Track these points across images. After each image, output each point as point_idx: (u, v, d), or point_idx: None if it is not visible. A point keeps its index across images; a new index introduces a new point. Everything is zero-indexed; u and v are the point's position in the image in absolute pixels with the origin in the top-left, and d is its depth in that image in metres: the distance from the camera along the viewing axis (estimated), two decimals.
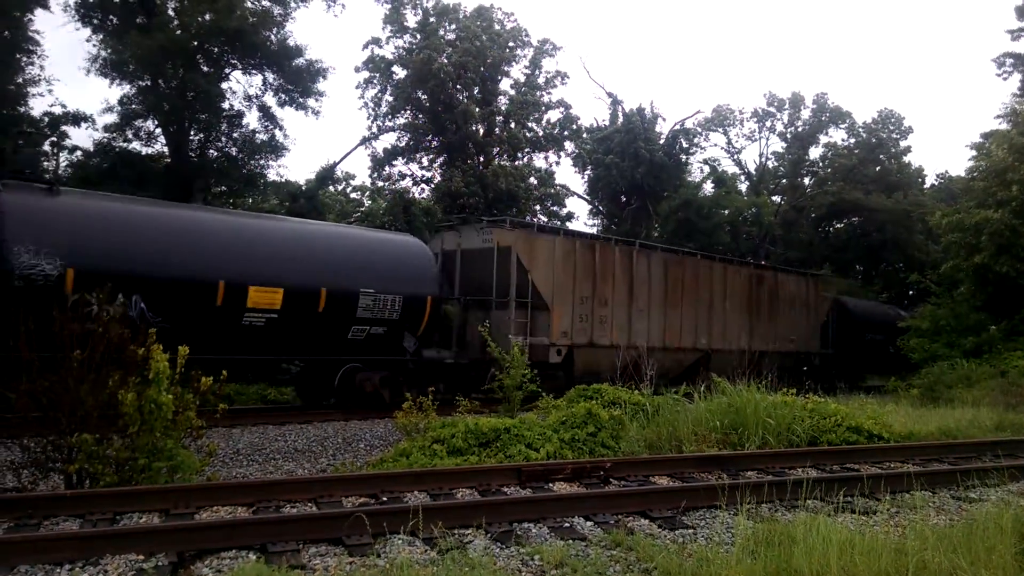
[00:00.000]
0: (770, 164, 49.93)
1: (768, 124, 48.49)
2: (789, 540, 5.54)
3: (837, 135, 46.67)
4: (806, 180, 47.14)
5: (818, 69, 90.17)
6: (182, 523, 6.05)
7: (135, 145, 25.29)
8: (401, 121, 34.03)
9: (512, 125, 34.29)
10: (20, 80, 22.83)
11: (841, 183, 42.31)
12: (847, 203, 41.93)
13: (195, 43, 23.46)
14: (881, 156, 45.24)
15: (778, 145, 49.04)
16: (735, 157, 49.94)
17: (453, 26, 33.27)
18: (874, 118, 45.68)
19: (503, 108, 34.45)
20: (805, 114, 47.04)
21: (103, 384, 7.35)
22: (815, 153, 47.40)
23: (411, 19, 33.39)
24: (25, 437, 7.43)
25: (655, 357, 17.99)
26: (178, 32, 22.73)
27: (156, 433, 7.47)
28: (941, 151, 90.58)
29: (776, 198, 47.02)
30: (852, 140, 45.93)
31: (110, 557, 5.26)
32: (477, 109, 32.41)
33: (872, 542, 5.42)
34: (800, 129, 46.99)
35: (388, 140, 34.50)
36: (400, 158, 34.45)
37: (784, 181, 48.06)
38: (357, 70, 34.02)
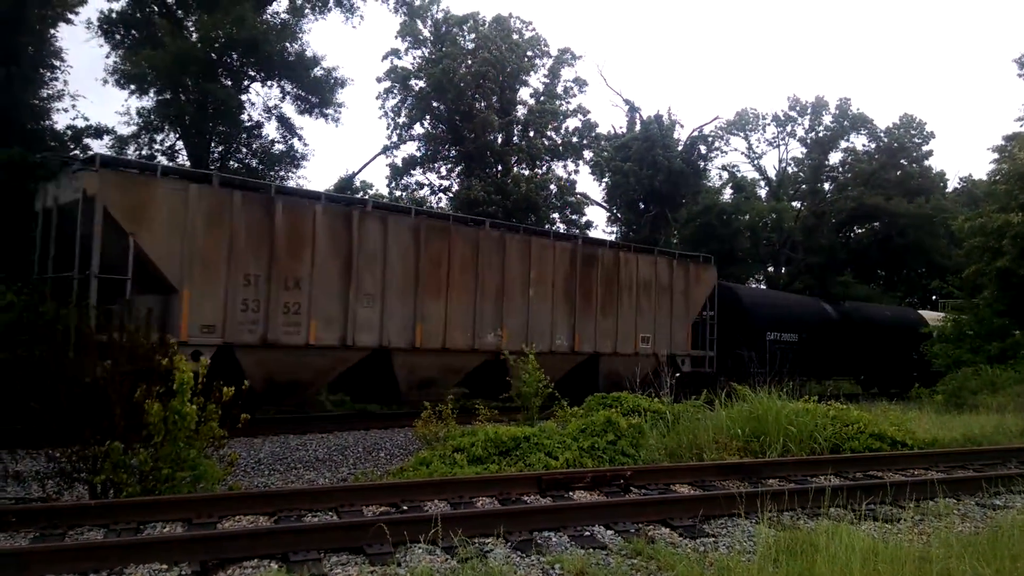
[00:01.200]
0: (790, 169, 49.71)
1: (789, 129, 48.31)
2: (811, 548, 5.50)
3: (858, 141, 46.45)
4: (826, 185, 46.87)
5: (840, 73, 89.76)
6: (205, 533, 6.10)
7: (158, 158, 25.60)
8: (420, 131, 34.23)
9: (531, 134, 34.36)
10: (44, 95, 23.17)
11: (862, 188, 42.06)
12: (868, 208, 41.68)
13: (214, 55, 23.72)
14: (903, 161, 44.95)
15: (798, 150, 48.85)
16: (755, 162, 49.82)
17: (472, 36, 33.43)
18: (895, 123, 45.41)
19: (521, 117, 34.54)
20: (827, 119, 46.81)
21: (129, 394, 7.44)
22: (835, 158, 47.18)
23: (425, 31, 33.59)
24: (50, 448, 7.52)
25: (403, 361, 14.93)
26: (197, 44, 23.00)
27: (179, 443, 7.55)
28: (964, 154, 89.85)
29: (796, 203, 46.76)
30: (873, 145, 45.64)
31: (134, 567, 5.32)
32: (496, 118, 32.51)
33: (896, 550, 5.38)
34: (821, 134, 46.74)
35: (407, 150, 34.73)
36: (419, 167, 34.63)
37: (804, 186, 47.80)
38: (378, 80, 34.29)
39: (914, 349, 27.27)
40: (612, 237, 43.42)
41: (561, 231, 23.74)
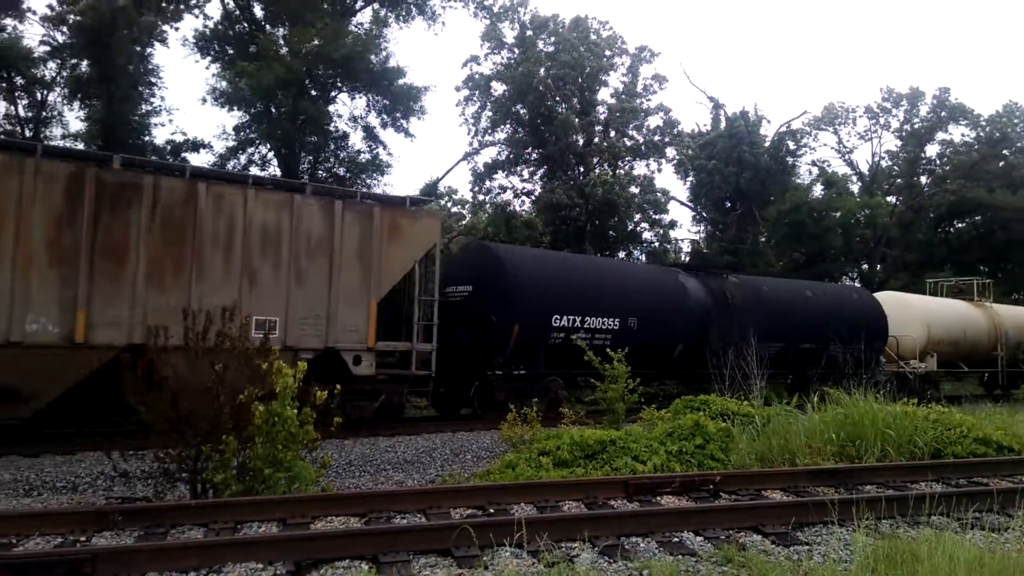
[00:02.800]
0: (884, 163, 47.95)
1: (882, 121, 46.59)
2: (912, 558, 5.29)
3: (957, 132, 44.44)
4: (923, 179, 45.01)
5: (938, 62, 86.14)
6: (299, 533, 6.28)
7: (251, 170, 26.59)
8: (501, 135, 34.39)
9: (612, 134, 34.14)
10: (144, 110, 24.34)
11: (961, 181, 40.21)
12: (968, 202, 39.85)
13: (304, 69, 24.46)
14: (1005, 151, 42.79)
15: (892, 143, 47.07)
16: (846, 157, 48.26)
17: (552, 39, 33.43)
18: (998, 111, 43.24)
19: (602, 117, 34.34)
20: (923, 110, 44.97)
21: (235, 397, 7.73)
22: (933, 151, 45.25)
23: (508, 35, 33.76)
24: (155, 449, 7.85)
25: None
26: (288, 59, 23.77)
27: (278, 445, 7.79)
28: None
29: (891, 199, 45.07)
30: (973, 135, 43.61)
31: (231, 565, 5.51)
32: (577, 120, 32.42)
33: (1004, 560, 5.13)
34: (917, 126, 44.93)
35: (489, 154, 34.95)
36: (501, 171, 34.80)
37: (899, 181, 46.01)
38: (457, 89, 34.64)
39: (871, 348, 21.29)
40: (698, 237, 42.70)
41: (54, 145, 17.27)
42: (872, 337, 21.64)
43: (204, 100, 25.83)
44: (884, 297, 24.87)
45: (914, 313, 24.05)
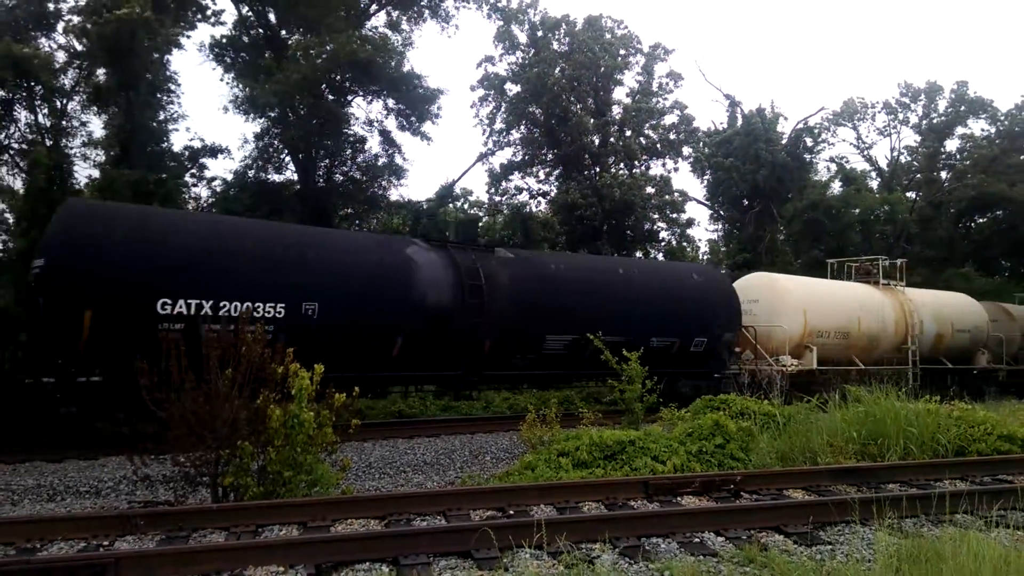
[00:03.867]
0: (903, 159, 47.51)
1: (901, 116, 46.15)
2: (936, 557, 5.23)
3: (976, 126, 43.96)
4: (943, 174, 44.54)
5: (955, 57, 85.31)
6: (320, 536, 6.29)
7: (269, 174, 26.79)
8: (516, 136, 34.40)
9: (627, 133, 34.06)
10: (162, 117, 24.52)
11: (982, 175, 39.77)
12: (990, 196, 39.39)
13: (319, 72, 24.56)
14: None
15: (912, 139, 46.63)
16: (865, 153, 47.83)
17: (566, 39, 33.41)
18: (1017, 104, 42.74)
19: (617, 117, 34.28)
20: (942, 105, 44.52)
21: (251, 401, 7.77)
22: (952, 146, 44.77)
23: (521, 36, 33.76)
24: (176, 453, 7.90)
25: None
26: (304, 64, 23.90)
27: (297, 448, 7.82)
28: None
29: (911, 194, 44.64)
30: (993, 129, 43.12)
31: (253, 568, 5.53)
32: (592, 120, 32.37)
33: None
34: (936, 121, 44.48)
35: (504, 156, 34.96)
36: (517, 172, 34.80)
37: (919, 176, 45.56)
38: (472, 89, 34.68)
39: (716, 341, 17.98)
40: (715, 236, 42.57)
41: None
42: (716, 328, 17.94)
43: (226, 109, 26.07)
44: (753, 279, 20.95)
45: (789, 298, 19.65)
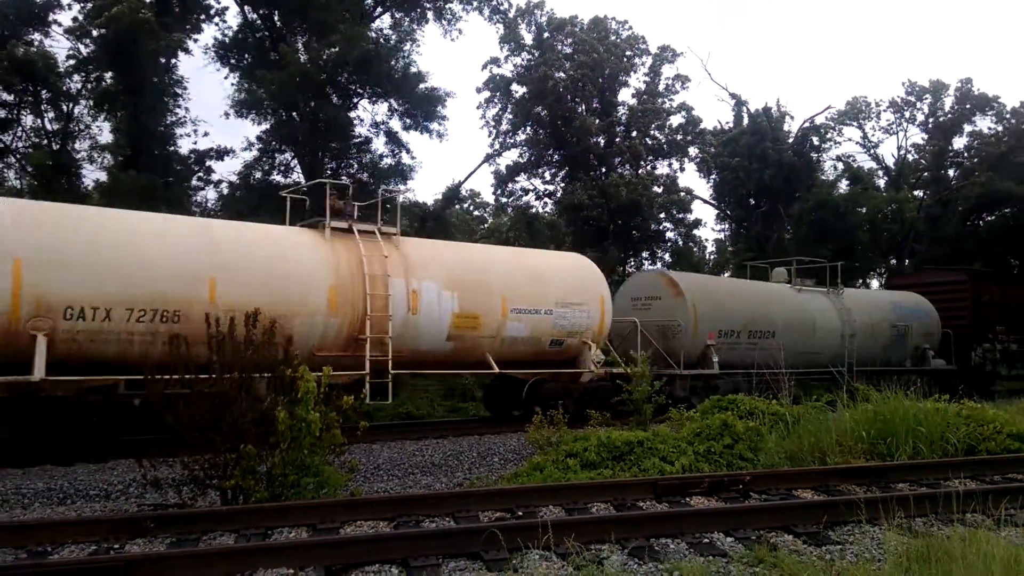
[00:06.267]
0: (910, 157, 47.32)
1: (907, 115, 45.98)
2: (946, 557, 5.21)
3: (983, 123, 43.76)
4: (951, 172, 44.37)
5: (959, 54, 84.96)
6: (329, 538, 6.31)
7: (275, 176, 26.83)
8: (522, 137, 34.42)
9: (633, 134, 34.04)
10: (168, 121, 24.63)
11: (989, 173, 39.59)
12: (998, 194, 39.17)
13: (324, 75, 24.61)
14: None
15: (918, 137, 46.46)
16: (871, 152, 47.61)
17: (569, 40, 33.41)
18: (1023, 101, 42.58)
19: (623, 118, 34.26)
20: (947, 102, 44.36)
21: (258, 403, 7.78)
22: (959, 143, 44.58)
23: (527, 37, 33.77)
24: (185, 455, 7.92)
25: None
26: (308, 66, 23.94)
27: (304, 450, 7.83)
28: None
29: (918, 192, 44.48)
30: (1000, 127, 42.93)
31: (263, 571, 5.54)
32: (597, 121, 32.36)
33: None
34: (942, 119, 44.31)
35: (510, 157, 34.98)
36: (523, 174, 34.82)
37: (926, 174, 45.38)
38: (478, 90, 34.70)
39: None
40: (722, 235, 42.51)
41: None
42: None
43: (227, 115, 26.14)
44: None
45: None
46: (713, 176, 39.57)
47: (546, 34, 33.30)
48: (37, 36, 24.30)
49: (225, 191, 26.64)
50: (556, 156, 33.99)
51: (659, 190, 33.57)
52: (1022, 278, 31.55)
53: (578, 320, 15.50)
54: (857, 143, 48.07)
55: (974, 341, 24.25)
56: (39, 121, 25.43)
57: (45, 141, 25.34)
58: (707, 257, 42.56)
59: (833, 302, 21.15)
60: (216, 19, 26.18)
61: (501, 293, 14.60)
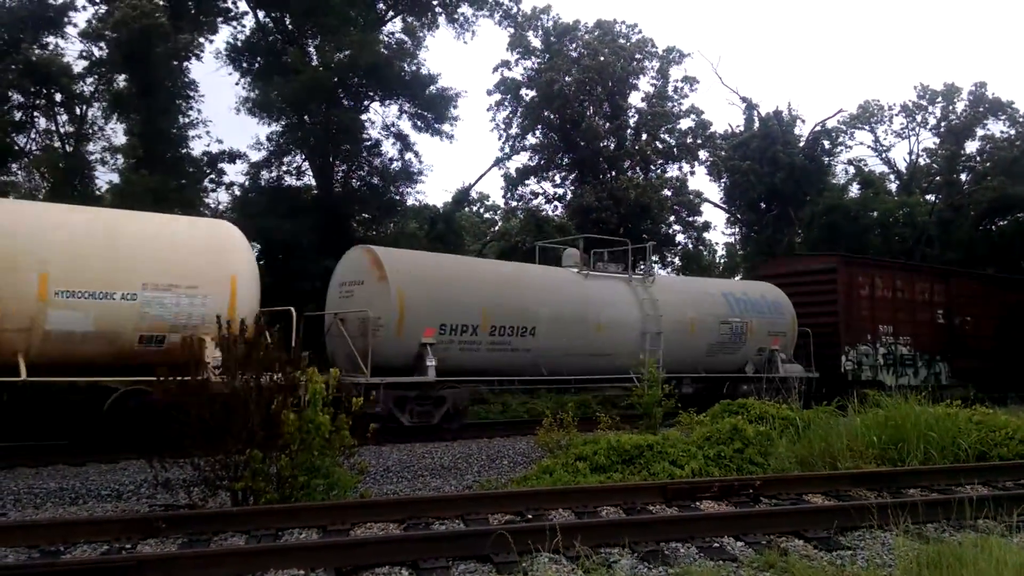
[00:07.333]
0: (922, 161, 47.11)
1: (919, 118, 45.77)
2: (958, 562, 5.19)
3: (996, 128, 43.52)
4: (963, 176, 44.14)
5: (973, 58, 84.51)
6: (340, 540, 6.33)
7: (286, 179, 26.91)
8: (532, 140, 34.42)
9: (643, 137, 33.99)
10: (181, 123, 24.75)
11: (1002, 177, 39.38)
12: (1011, 198, 38.95)
13: (336, 79, 24.69)
14: None
15: (930, 141, 46.25)
16: (883, 155, 47.39)
17: (574, 44, 33.41)
18: None
19: (632, 122, 34.21)
20: (960, 106, 44.16)
21: (267, 404, 7.81)
22: (972, 147, 44.36)
23: (536, 41, 33.80)
24: (196, 457, 7.96)
25: None
26: (320, 70, 24.02)
27: (313, 452, 7.85)
28: None
29: (930, 197, 44.27)
30: (1013, 131, 42.70)
31: (273, 571, 5.56)
32: (607, 124, 32.34)
33: None
34: (954, 122, 44.11)
35: (520, 160, 34.98)
36: (532, 177, 34.80)
37: (938, 178, 45.16)
38: (489, 92, 34.72)
39: None
40: (732, 239, 42.37)
41: None
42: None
43: (237, 110, 26.27)
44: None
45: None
46: (723, 180, 39.46)
47: (553, 39, 33.31)
48: (52, 40, 24.47)
49: (237, 193, 26.76)
50: (566, 159, 33.96)
51: (669, 193, 33.47)
52: (929, 268, 26.19)
53: (190, 308, 11.54)
54: (869, 147, 47.88)
55: (845, 342, 20.10)
56: (52, 124, 25.62)
57: (58, 143, 25.51)
58: (717, 261, 42.46)
59: (635, 291, 16.90)
60: (231, 22, 26.30)
61: (38, 268, 10.48)
